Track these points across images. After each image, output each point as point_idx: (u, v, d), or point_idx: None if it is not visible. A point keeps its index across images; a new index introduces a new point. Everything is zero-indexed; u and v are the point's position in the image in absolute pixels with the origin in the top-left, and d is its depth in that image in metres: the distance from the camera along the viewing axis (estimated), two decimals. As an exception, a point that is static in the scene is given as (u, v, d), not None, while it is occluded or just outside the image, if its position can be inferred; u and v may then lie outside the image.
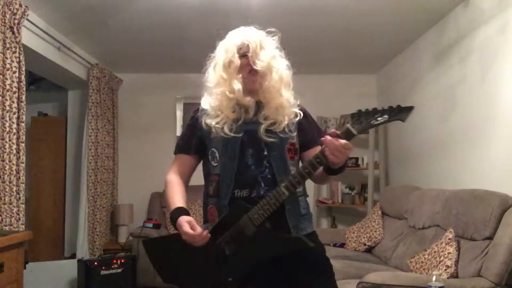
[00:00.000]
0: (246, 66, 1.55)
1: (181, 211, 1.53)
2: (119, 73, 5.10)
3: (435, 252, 2.63)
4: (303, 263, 1.52)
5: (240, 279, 1.47)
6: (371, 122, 1.34)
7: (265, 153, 1.54)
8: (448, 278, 2.35)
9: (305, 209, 1.59)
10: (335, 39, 4.04)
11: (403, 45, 4.25)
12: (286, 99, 1.58)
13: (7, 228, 2.76)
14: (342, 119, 5.07)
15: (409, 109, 1.33)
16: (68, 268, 3.85)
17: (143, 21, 3.59)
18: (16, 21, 2.88)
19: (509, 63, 2.66)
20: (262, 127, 1.54)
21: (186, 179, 1.69)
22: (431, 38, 3.80)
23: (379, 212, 4.02)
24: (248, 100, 1.56)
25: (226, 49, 1.59)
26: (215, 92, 1.58)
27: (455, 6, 3.28)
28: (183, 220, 1.48)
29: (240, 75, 1.56)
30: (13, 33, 2.87)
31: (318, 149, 1.62)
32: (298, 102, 1.65)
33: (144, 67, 5.08)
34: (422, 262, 2.71)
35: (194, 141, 1.64)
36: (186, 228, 1.46)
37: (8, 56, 2.83)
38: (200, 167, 1.71)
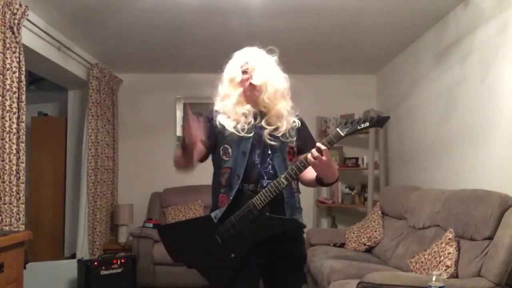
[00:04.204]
0: (246, 81, 1.84)
1: None
2: (119, 73, 5.10)
3: (435, 252, 2.64)
4: (284, 254, 1.79)
5: (241, 256, 1.71)
6: (355, 127, 1.67)
7: (269, 152, 1.81)
8: (448, 278, 2.35)
9: (298, 203, 1.87)
10: (335, 39, 4.04)
11: (403, 45, 4.25)
12: (284, 108, 1.86)
13: (7, 228, 2.77)
14: (342, 119, 5.08)
15: (385, 119, 1.72)
16: (68, 268, 3.85)
17: (143, 21, 3.59)
18: (16, 21, 2.88)
19: (509, 63, 2.66)
20: (266, 131, 1.82)
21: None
22: (431, 38, 3.80)
23: (379, 212, 4.02)
24: (247, 109, 1.83)
25: (231, 67, 1.89)
26: (223, 102, 1.87)
27: (455, 6, 3.28)
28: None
29: (241, 89, 1.85)
30: (13, 33, 2.87)
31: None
32: (297, 113, 1.92)
33: (144, 67, 5.08)
34: (422, 262, 2.71)
35: (209, 137, 1.85)
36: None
37: (8, 56, 2.83)
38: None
